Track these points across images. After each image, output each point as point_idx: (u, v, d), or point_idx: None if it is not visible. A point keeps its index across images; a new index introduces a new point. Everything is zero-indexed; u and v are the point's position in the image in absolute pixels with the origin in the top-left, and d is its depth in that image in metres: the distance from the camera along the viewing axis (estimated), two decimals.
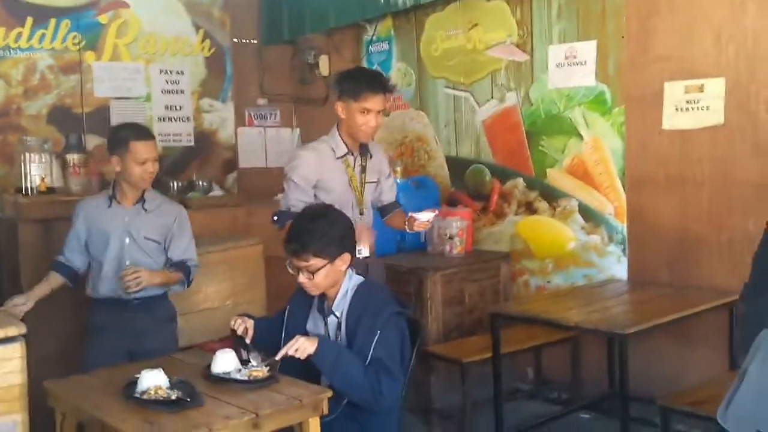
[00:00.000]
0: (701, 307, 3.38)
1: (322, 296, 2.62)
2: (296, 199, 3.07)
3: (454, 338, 4.20)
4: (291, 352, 2.38)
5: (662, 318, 3.21)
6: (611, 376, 3.96)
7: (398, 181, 4.82)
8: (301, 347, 2.38)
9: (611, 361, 3.95)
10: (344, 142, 3.15)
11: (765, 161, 3.45)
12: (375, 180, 3.28)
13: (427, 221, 3.06)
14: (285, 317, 2.69)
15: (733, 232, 3.57)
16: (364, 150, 3.20)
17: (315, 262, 2.49)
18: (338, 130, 3.16)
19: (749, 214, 3.48)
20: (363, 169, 3.20)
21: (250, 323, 2.61)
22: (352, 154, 3.17)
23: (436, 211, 3.10)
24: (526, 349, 4.01)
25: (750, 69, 3.49)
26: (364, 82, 3.06)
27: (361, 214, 3.18)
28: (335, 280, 2.57)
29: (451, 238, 4.47)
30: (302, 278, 2.53)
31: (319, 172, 3.11)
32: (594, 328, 3.16)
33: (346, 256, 2.57)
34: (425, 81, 5.08)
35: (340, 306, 2.58)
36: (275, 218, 3.13)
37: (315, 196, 3.13)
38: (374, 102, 3.03)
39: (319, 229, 2.50)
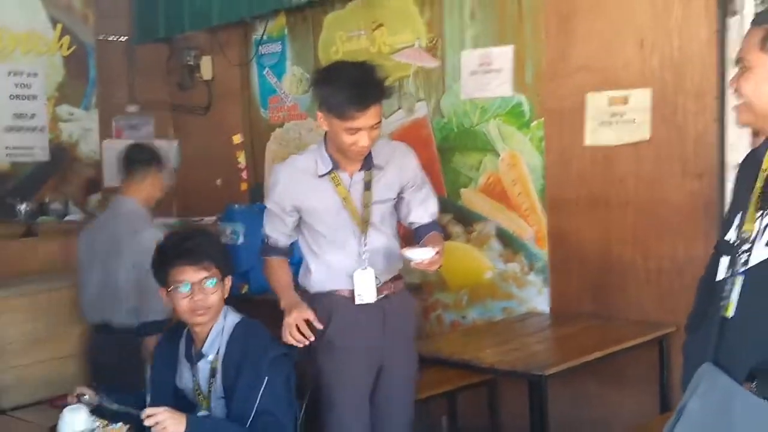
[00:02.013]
0: (629, 342, 3.47)
1: (189, 340, 2.56)
2: (271, 229, 2.91)
3: None
4: (148, 423, 2.27)
5: (586, 356, 3.27)
6: (533, 422, 4.01)
7: None
8: (170, 427, 2.25)
9: (533, 406, 4.00)
10: (331, 158, 2.80)
11: (693, 180, 3.59)
12: (390, 197, 2.91)
13: (421, 262, 2.71)
14: (147, 378, 2.61)
15: (661, 258, 3.70)
16: (367, 162, 2.83)
17: (214, 272, 2.49)
18: (325, 141, 2.85)
19: (678, 238, 3.61)
20: (367, 186, 2.83)
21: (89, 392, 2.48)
22: (344, 170, 2.82)
23: (435, 251, 2.71)
24: (439, 394, 4.02)
25: (676, 79, 3.63)
26: (347, 95, 2.61)
27: (365, 245, 2.83)
28: (219, 309, 2.53)
29: None
30: (195, 300, 2.47)
31: (293, 195, 2.82)
32: (511, 370, 3.20)
33: (229, 282, 2.59)
34: None
35: (213, 347, 2.52)
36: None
37: (303, 221, 2.89)
38: (364, 119, 2.63)
39: (203, 239, 2.58)
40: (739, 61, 1.82)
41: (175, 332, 2.68)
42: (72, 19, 5.49)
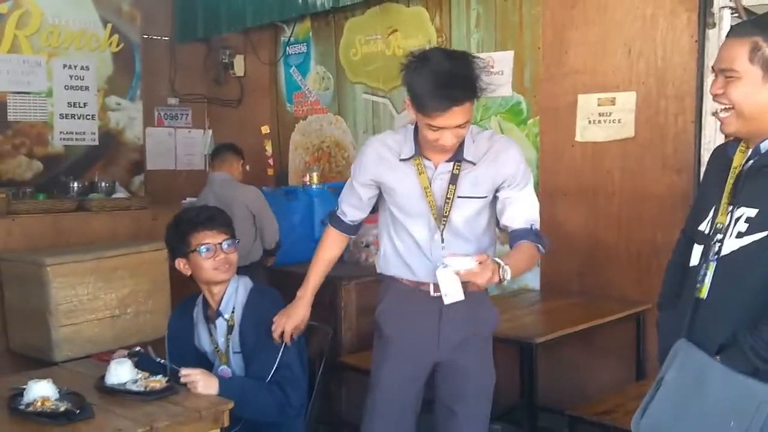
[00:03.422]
0: (610, 317, 3.48)
1: (205, 304, 2.59)
2: (344, 199, 2.52)
3: (368, 348, 4.17)
4: (184, 380, 2.31)
5: (571, 328, 3.29)
6: (522, 386, 4.03)
7: (314, 186, 4.84)
8: (199, 387, 2.29)
9: (522, 372, 4.02)
10: (417, 144, 2.31)
11: (672, 174, 3.60)
12: (478, 196, 2.32)
13: (460, 273, 2.09)
14: (166, 344, 2.64)
15: (641, 243, 3.70)
16: (457, 154, 2.29)
17: (230, 236, 2.56)
18: (415, 127, 2.33)
19: (657, 226, 3.61)
20: (453, 179, 2.29)
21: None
22: (430, 158, 2.32)
23: (476, 261, 2.07)
24: None
25: (659, 84, 3.63)
26: (431, 90, 2.10)
27: (443, 241, 2.30)
28: (235, 268, 2.58)
29: (367, 246, 4.47)
30: (218, 259, 2.52)
31: (375, 170, 2.38)
32: (504, 337, 3.21)
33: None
34: (344, 85, 5.08)
35: (229, 306, 2.55)
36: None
37: (384, 200, 2.44)
38: (446, 119, 2.12)
39: (216, 210, 2.66)
40: (725, 70, 1.77)
41: (188, 303, 2.71)
42: (120, 20, 5.50)
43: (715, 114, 1.86)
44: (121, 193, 4.89)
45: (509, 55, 4.17)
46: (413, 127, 2.33)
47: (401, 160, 2.33)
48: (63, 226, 4.38)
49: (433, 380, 2.48)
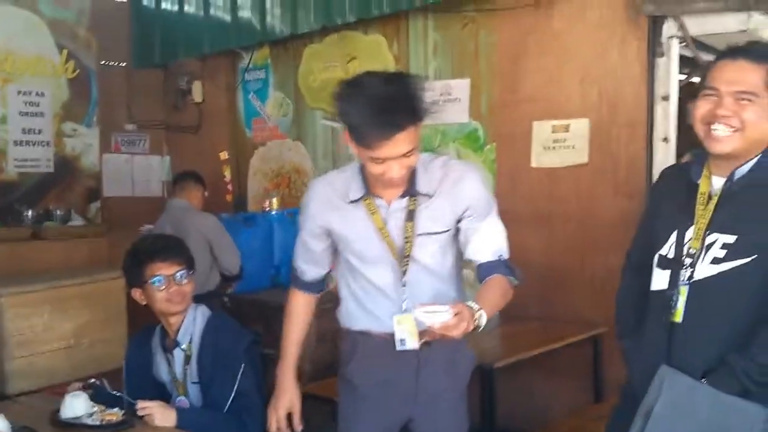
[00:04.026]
0: (568, 340, 3.52)
1: (163, 334, 2.56)
2: (299, 257, 2.27)
3: (327, 377, 4.15)
4: (141, 413, 2.29)
5: (530, 352, 3.32)
6: (483, 411, 4.04)
7: (273, 212, 4.82)
8: (156, 420, 2.27)
9: (483, 396, 4.03)
10: (365, 181, 2.09)
11: (624, 200, 3.67)
12: (439, 230, 2.10)
13: (430, 327, 1.79)
14: (124, 374, 2.60)
15: (596, 267, 3.76)
16: (411, 188, 2.07)
17: (185, 266, 2.53)
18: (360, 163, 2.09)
19: (610, 250, 3.66)
20: (410, 215, 2.08)
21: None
22: (381, 196, 2.09)
23: (452, 312, 1.77)
24: None
25: (611, 111, 3.71)
26: (368, 119, 1.87)
27: (404, 285, 2.09)
28: (191, 299, 2.55)
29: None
30: (171, 291, 2.48)
31: (324, 217, 2.15)
32: None
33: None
34: (303, 111, 5.09)
35: (186, 336, 2.52)
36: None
37: (338, 249, 2.20)
38: (390, 149, 1.89)
39: (172, 239, 2.63)
40: (741, 92, 1.76)
41: (146, 333, 2.67)
42: (76, 46, 5.44)
43: (704, 130, 1.82)
44: (77, 221, 4.82)
45: (466, 82, 4.22)
46: (357, 164, 2.11)
47: (350, 202, 2.10)
48: (17, 255, 4.29)
49: None
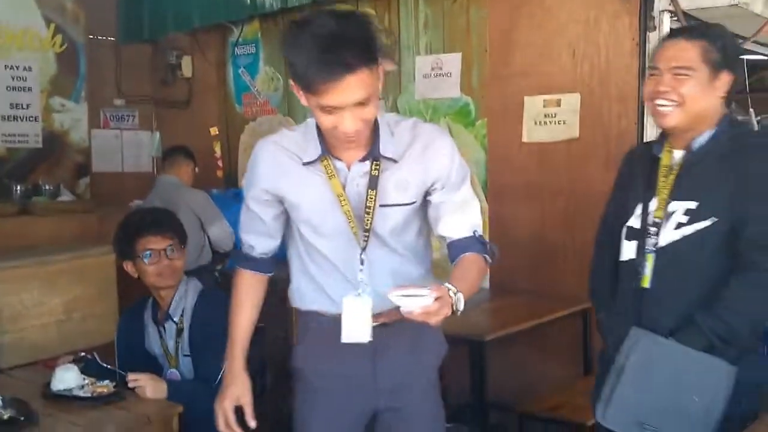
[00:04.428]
0: (557, 314, 3.54)
1: (154, 307, 2.57)
2: (246, 229, 2.01)
3: None
4: (132, 385, 2.31)
5: (520, 325, 3.34)
6: (473, 384, 4.06)
7: None
8: (148, 392, 2.29)
9: (473, 370, 4.05)
10: (322, 139, 1.82)
11: (615, 174, 3.65)
12: (406, 202, 1.86)
13: (411, 312, 1.57)
14: (116, 347, 2.61)
15: (586, 241, 3.73)
16: (373, 150, 1.82)
17: (176, 240, 2.54)
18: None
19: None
20: (372, 183, 1.82)
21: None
22: (340, 158, 1.84)
23: (433, 296, 1.58)
24: None
25: (602, 85, 3.70)
26: (313, 59, 1.60)
27: (362, 263, 1.84)
28: (182, 273, 2.56)
29: None
30: (162, 265, 2.49)
31: (274, 182, 1.88)
32: (453, 336, 3.22)
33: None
34: None
35: (178, 309, 2.52)
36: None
37: (290, 218, 1.94)
38: (339, 94, 1.63)
39: (163, 213, 2.65)
40: (677, 68, 1.87)
41: (138, 306, 2.68)
42: (64, 19, 5.36)
43: (652, 106, 1.94)
44: (66, 196, 4.79)
45: (457, 57, 4.20)
46: (313, 121, 1.83)
47: (304, 163, 1.83)
48: (6, 231, 4.26)
49: None
